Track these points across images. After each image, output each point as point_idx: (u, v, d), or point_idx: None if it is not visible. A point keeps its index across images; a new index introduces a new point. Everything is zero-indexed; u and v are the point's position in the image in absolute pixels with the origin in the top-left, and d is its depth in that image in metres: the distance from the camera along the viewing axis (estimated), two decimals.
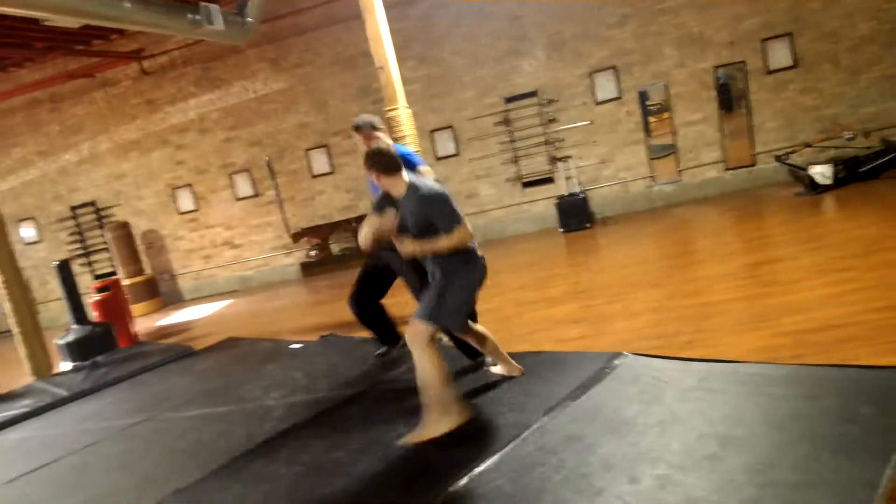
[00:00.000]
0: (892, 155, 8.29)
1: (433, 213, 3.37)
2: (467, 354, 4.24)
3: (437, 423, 3.32)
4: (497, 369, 3.99)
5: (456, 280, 3.43)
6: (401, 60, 6.19)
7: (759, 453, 2.64)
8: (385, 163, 3.39)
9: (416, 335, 3.32)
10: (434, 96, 10.24)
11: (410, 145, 5.75)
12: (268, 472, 3.45)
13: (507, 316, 5.67)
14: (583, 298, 5.77)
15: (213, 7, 7.39)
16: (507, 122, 10.10)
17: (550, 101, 9.92)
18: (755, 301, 4.65)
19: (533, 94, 9.95)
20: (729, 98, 10.47)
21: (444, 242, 3.36)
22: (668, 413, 3.14)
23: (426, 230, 3.40)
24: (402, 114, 5.72)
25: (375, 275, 4.59)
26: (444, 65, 10.13)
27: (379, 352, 4.83)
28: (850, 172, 8.28)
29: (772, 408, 3.02)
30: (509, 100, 10.06)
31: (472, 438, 3.30)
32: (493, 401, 3.70)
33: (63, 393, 5.92)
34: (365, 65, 10.41)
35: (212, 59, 11.04)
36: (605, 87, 9.81)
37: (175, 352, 6.78)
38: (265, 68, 10.91)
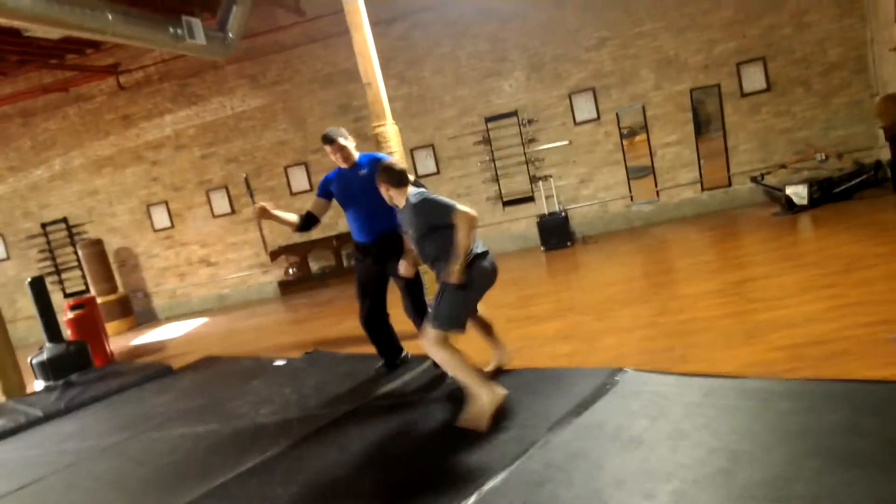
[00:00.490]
0: (864, 176, 8.53)
1: (428, 214, 3.59)
2: (386, 358, 4.82)
3: (482, 406, 3.56)
4: (490, 366, 4.26)
5: (468, 285, 3.60)
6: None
7: (771, 468, 2.64)
8: (397, 177, 3.70)
9: (430, 342, 3.59)
10: (415, 115, 10.27)
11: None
12: (264, 492, 3.36)
13: (498, 331, 5.63)
14: (570, 315, 5.77)
15: (195, 21, 7.35)
16: (487, 141, 10.16)
17: (530, 121, 10.02)
18: (743, 317, 4.69)
19: (513, 114, 10.05)
20: (703, 121, 10.67)
21: (461, 238, 3.50)
22: (675, 428, 3.13)
23: (429, 232, 3.61)
24: (390, 130, 5.71)
25: (379, 290, 4.67)
26: (424, 84, 10.18)
27: (379, 366, 4.87)
28: (825, 193, 8.49)
29: (778, 422, 3.03)
30: (489, 119, 10.14)
31: (477, 455, 3.26)
32: (494, 417, 3.67)
33: (38, 413, 5.73)
34: (344, 82, 10.46)
35: (189, 76, 10.94)
36: (584, 107, 9.95)
37: (152, 370, 6.62)
38: (244, 85, 10.84)
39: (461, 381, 3.64)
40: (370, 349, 5.02)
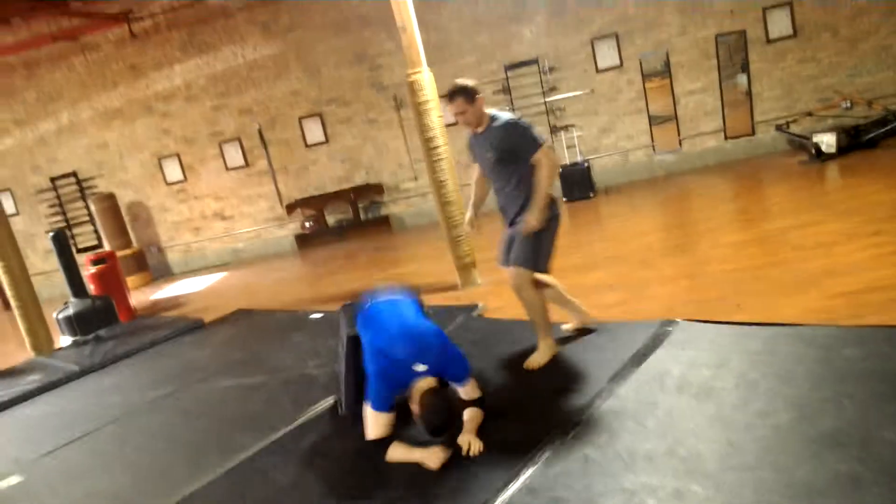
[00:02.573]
0: (893, 124, 8.38)
1: (518, 138, 3.51)
2: None
3: (548, 348, 3.76)
4: (568, 326, 4.12)
5: (551, 226, 3.65)
6: None
7: (852, 413, 2.61)
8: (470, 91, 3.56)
9: (519, 282, 3.67)
10: (432, 63, 9.81)
11: (433, 111, 5.60)
12: (324, 445, 3.34)
13: None
14: (610, 265, 5.71)
15: None
16: (507, 90, 9.95)
17: (551, 69, 9.79)
18: (792, 265, 4.64)
19: (534, 61, 9.81)
20: (727, 67, 10.44)
21: (543, 179, 3.49)
22: (743, 378, 3.10)
23: (507, 162, 3.57)
24: (426, 77, 5.54)
25: None
26: (442, 30, 9.90)
27: None
28: (853, 141, 8.36)
29: (849, 369, 2.99)
30: (509, 67, 9.90)
31: (543, 407, 3.23)
32: (549, 371, 3.63)
33: (74, 367, 5.71)
34: (359, 29, 10.18)
35: (198, 23, 10.63)
36: (607, 54, 9.71)
37: (184, 324, 6.59)
38: (255, 32, 10.54)
39: (536, 323, 3.74)
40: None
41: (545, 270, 3.76)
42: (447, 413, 2.88)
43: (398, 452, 2.96)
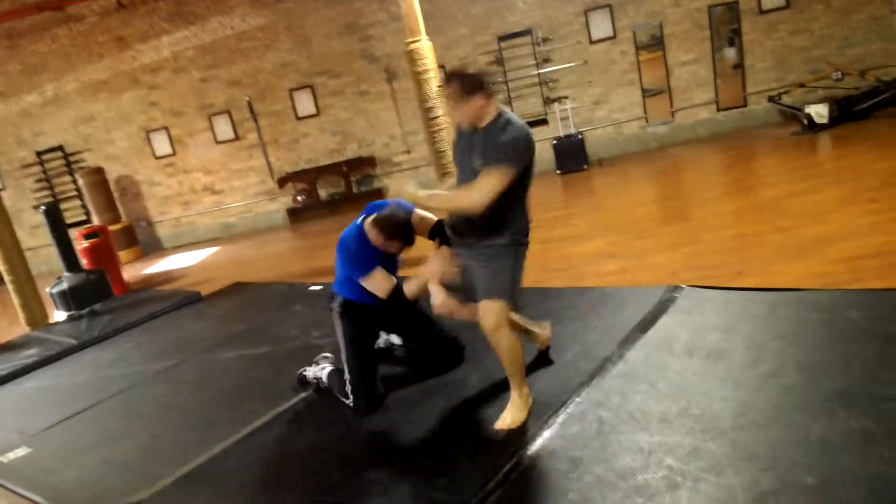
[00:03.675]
0: (885, 95, 8.44)
1: (525, 151, 2.74)
2: None
3: (524, 401, 2.92)
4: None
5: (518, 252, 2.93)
6: None
7: (862, 372, 2.67)
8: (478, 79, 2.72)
9: (498, 317, 2.78)
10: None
11: (432, 80, 5.56)
12: (335, 413, 3.35)
13: (535, 252, 5.60)
14: (608, 234, 5.74)
15: None
16: (500, 61, 9.88)
17: (545, 40, 9.73)
18: (792, 232, 4.70)
19: (527, 32, 9.74)
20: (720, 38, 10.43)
21: (461, 194, 2.78)
22: (752, 341, 3.15)
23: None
24: (425, 46, 5.50)
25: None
26: (435, 1, 9.79)
27: None
28: (844, 112, 8.42)
29: (852, 331, 3.05)
30: (503, 38, 9.83)
31: (552, 374, 3.24)
32: (557, 336, 3.63)
33: (72, 341, 5.67)
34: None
35: None
36: (600, 25, 9.66)
37: (181, 297, 6.54)
38: (244, 2, 10.34)
39: (511, 372, 2.89)
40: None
41: (518, 306, 3.01)
42: (399, 218, 3.08)
43: (412, 285, 3.12)
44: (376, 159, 10.61)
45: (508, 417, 2.86)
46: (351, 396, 3.27)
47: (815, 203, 5.28)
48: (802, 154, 7.38)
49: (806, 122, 8.36)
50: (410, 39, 5.51)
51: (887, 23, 9.12)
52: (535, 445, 2.65)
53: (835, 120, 8.33)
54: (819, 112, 8.32)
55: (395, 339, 3.82)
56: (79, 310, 6.82)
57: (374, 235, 3.13)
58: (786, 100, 9.17)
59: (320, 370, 3.60)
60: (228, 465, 3.05)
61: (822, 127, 8.27)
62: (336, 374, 3.45)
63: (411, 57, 5.50)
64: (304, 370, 3.70)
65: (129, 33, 10.69)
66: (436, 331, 3.52)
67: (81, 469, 3.33)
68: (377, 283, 3.13)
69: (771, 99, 9.20)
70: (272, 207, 11.16)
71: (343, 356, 3.35)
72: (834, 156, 7.18)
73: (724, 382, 2.83)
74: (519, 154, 2.66)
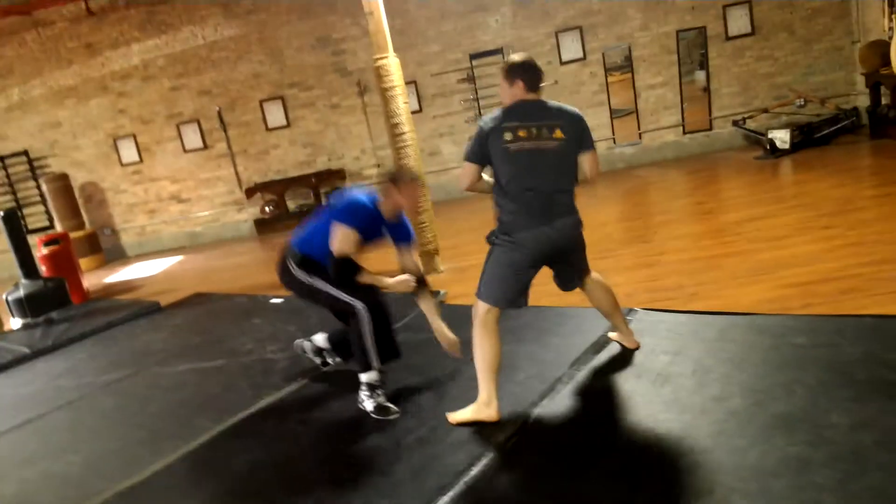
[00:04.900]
0: (843, 122, 8.67)
1: (583, 132, 3.26)
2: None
3: (476, 413, 2.98)
4: (614, 335, 3.64)
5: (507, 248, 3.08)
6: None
7: (804, 399, 2.71)
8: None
9: (475, 316, 3.02)
10: (396, 50, 9.81)
11: (399, 96, 5.57)
12: (283, 429, 3.32)
13: None
14: None
15: None
16: (471, 79, 9.95)
17: None
18: (747, 256, 4.77)
19: (498, 51, 9.82)
20: (687, 63, 10.61)
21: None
22: (699, 364, 3.19)
23: None
24: (392, 63, 5.51)
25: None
26: (408, 17, 9.84)
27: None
28: (806, 138, 8.61)
29: (798, 356, 3.10)
30: (475, 56, 9.90)
31: (504, 393, 3.23)
32: (510, 356, 3.61)
33: (24, 350, 5.54)
34: (324, 13, 10.05)
35: (158, 2, 10.35)
36: (571, 47, 9.79)
37: (140, 307, 6.45)
38: (216, 13, 10.31)
39: (479, 374, 2.96)
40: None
41: (501, 306, 3.01)
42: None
43: (367, 276, 3.24)
44: (346, 172, 10.58)
45: (460, 414, 3.01)
46: (354, 305, 3.21)
47: (772, 227, 5.37)
48: (764, 178, 7.52)
49: (768, 146, 8.54)
50: (378, 56, 5.53)
51: (847, 53, 9.37)
52: (480, 466, 2.64)
53: (796, 145, 8.51)
54: (781, 137, 8.50)
55: (321, 342, 3.78)
56: (35, 318, 6.68)
57: (409, 191, 3.29)
58: (750, 124, 9.36)
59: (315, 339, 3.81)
60: (171, 480, 3.00)
61: (784, 152, 8.45)
62: (335, 332, 3.68)
63: (378, 73, 5.51)
64: (303, 342, 3.91)
65: (99, 40, 10.58)
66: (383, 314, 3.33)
67: (21, 482, 3.25)
68: (344, 239, 3.16)
69: (735, 123, 9.38)
70: (240, 217, 11.07)
71: (323, 294, 3.32)
72: (793, 181, 7.32)
73: (670, 406, 2.86)
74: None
